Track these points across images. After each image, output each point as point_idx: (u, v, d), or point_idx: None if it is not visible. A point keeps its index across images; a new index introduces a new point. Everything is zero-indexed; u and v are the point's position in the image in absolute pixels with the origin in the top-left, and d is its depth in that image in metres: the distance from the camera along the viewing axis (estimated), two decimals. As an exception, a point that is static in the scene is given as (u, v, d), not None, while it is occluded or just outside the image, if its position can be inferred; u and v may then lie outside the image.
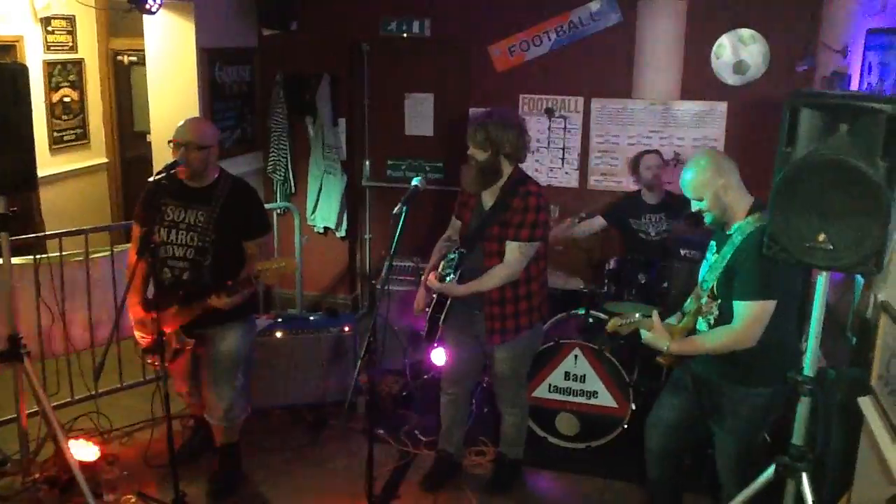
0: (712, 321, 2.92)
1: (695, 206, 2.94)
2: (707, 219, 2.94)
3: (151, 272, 3.28)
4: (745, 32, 5.07)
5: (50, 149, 6.11)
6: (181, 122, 3.46)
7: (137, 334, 3.55)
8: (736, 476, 2.92)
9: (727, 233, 2.90)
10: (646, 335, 2.98)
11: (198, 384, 3.74)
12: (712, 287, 2.89)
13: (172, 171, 3.32)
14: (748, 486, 2.68)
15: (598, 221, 4.95)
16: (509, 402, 3.78)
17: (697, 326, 2.99)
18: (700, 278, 3.02)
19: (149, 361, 3.58)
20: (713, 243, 3.02)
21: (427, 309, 3.61)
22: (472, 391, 3.95)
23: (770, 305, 2.74)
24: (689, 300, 3.03)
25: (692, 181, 2.89)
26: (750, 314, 2.75)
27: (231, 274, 3.45)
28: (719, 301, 2.87)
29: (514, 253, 3.42)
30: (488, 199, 3.52)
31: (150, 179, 3.38)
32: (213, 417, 3.70)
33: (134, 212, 3.62)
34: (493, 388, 3.86)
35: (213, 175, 3.52)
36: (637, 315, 2.98)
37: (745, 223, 2.82)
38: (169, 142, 3.42)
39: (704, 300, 2.92)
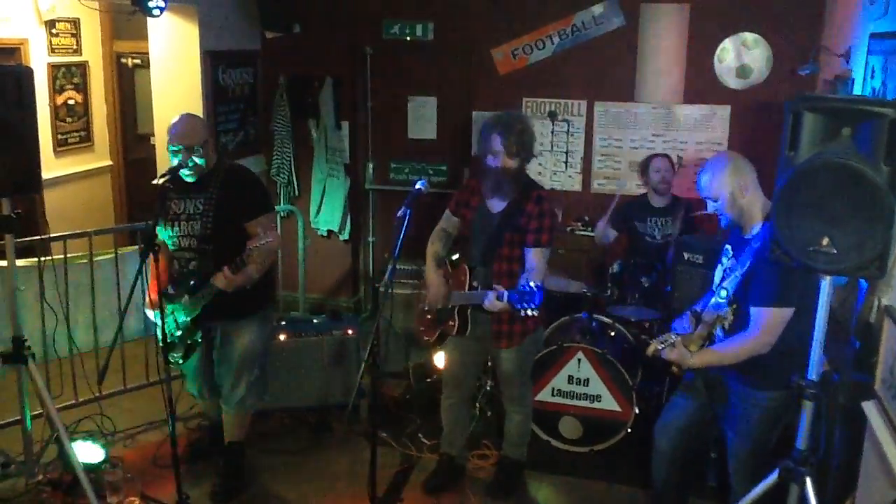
0: (727, 326, 2.91)
1: (710, 208, 2.92)
2: (722, 221, 2.92)
3: (165, 267, 3.28)
4: (748, 36, 5.08)
5: (54, 151, 6.14)
6: (174, 123, 3.46)
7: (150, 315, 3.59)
8: (748, 478, 2.89)
9: (745, 237, 2.88)
10: (669, 354, 2.93)
11: (210, 382, 3.78)
12: (731, 293, 2.86)
13: (175, 173, 3.37)
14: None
15: (612, 232, 4.93)
16: (515, 401, 3.78)
17: (714, 331, 2.97)
18: (715, 284, 3.00)
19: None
20: (728, 247, 2.99)
21: (432, 314, 3.61)
22: (474, 394, 3.94)
23: (787, 312, 2.73)
24: (707, 308, 2.98)
25: (709, 181, 2.87)
26: (766, 321, 2.74)
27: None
28: (735, 306, 2.85)
29: (539, 258, 3.44)
30: (497, 202, 3.51)
31: (156, 182, 3.41)
32: (228, 404, 3.73)
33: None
34: (499, 386, 3.85)
35: (211, 163, 3.55)
36: (672, 336, 2.94)
37: (765, 228, 2.79)
38: (169, 148, 3.43)
39: (724, 307, 2.89)
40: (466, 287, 3.46)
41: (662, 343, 2.94)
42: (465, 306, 3.48)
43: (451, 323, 3.52)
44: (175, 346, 3.53)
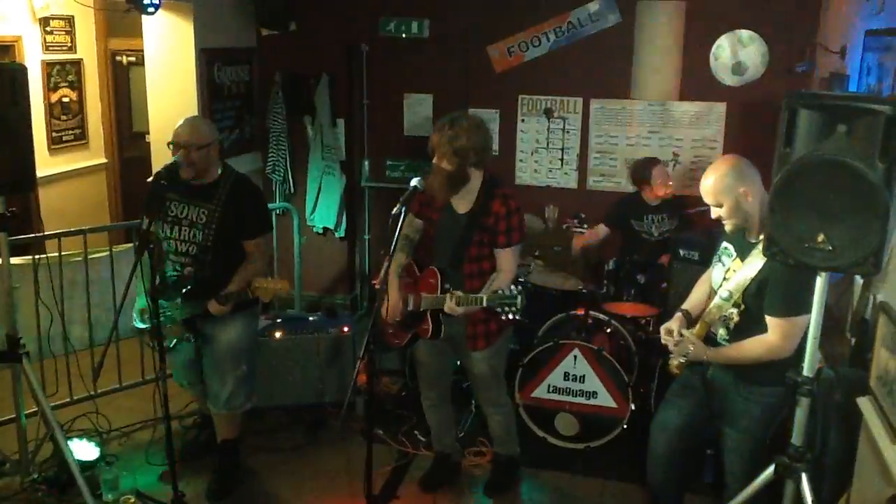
0: (731, 327, 2.88)
1: (714, 213, 2.87)
2: (727, 227, 2.87)
3: (155, 266, 3.27)
4: (744, 33, 5.08)
5: (49, 149, 6.11)
6: (179, 123, 3.48)
7: (139, 322, 3.62)
8: (747, 475, 2.87)
9: (751, 241, 2.83)
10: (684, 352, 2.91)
11: (197, 375, 3.76)
12: (736, 296, 2.82)
13: (173, 171, 3.35)
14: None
15: (602, 229, 4.95)
16: (492, 402, 3.76)
17: (714, 330, 2.94)
18: (716, 283, 2.96)
19: (149, 344, 3.61)
20: (729, 247, 2.94)
21: (400, 318, 3.57)
22: (452, 390, 3.93)
23: (807, 318, 2.69)
24: (711, 307, 2.94)
25: (712, 187, 2.81)
26: (789, 330, 2.70)
27: (232, 270, 3.50)
28: (743, 308, 2.82)
29: (510, 258, 3.43)
30: (462, 203, 3.46)
31: (150, 180, 3.40)
32: (216, 405, 3.72)
33: (143, 205, 3.63)
34: (474, 389, 3.85)
35: (216, 172, 3.54)
36: (689, 346, 2.90)
37: None
38: (168, 143, 3.43)
39: (729, 309, 2.86)
40: (438, 290, 3.42)
41: (684, 356, 2.92)
42: (437, 309, 3.44)
43: (424, 327, 3.49)
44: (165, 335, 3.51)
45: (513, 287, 3.14)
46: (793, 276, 2.60)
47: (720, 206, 2.82)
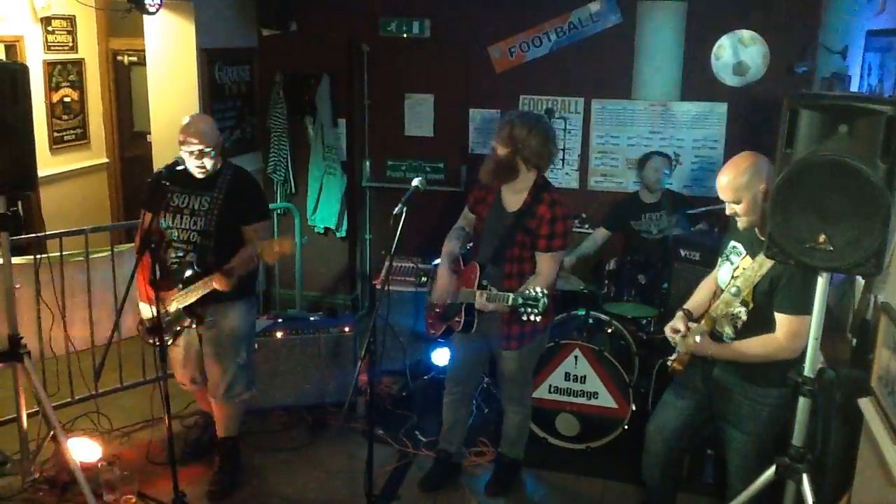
0: (739, 325, 2.86)
1: (730, 210, 2.83)
2: (741, 224, 2.84)
3: (155, 260, 3.28)
4: (745, 34, 5.08)
5: (50, 149, 6.12)
6: (187, 121, 3.49)
7: (143, 310, 3.63)
8: (752, 477, 2.86)
9: (762, 238, 2.76)
10: (691, 344, 2.88)
11: (200, 369, 3.77)
12: (745, 293, 2.80)
13: (173, 169, 3.44)
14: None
15: (601, 233, 4.95)
16: (514, 400, 3.78)
17: (720, 329, 2.91)
18: (723, 281, 2.92)
19: (149, 342, 3.62)
20: (738, 245, 2.90)
21: (440, 308, 3.61)
22: (475, 390, 3.94)
23: None
24: (718, 302, 2.90)
25: (731, 183, 2.77)
26: (798, 328, 2.67)
27: (232, 257, 3.53)
28: (751, 306, 2.80)
29: (550, 263, 3.44)
30: (511, 201, 3.50)
31: (149, 180, 3.43)
32: (216, 395, 3.73)
33: (140, 198, 3.71)
34: (499, 385, 3.86)
35: (217, 165, 3.59)
36: (689, 342, 2.87)
37: None
38: (184, 143, 3.44)
39: (736, 307, 2.83)
40: (475, 285, 3.44)
41: (685, 357, 2.89)
42: (472, 304, 3.46)
43: (457, 319, 3.52)
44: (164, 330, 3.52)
45: (538, 289, 3.14)
46: (807, 274, 2.57)
47: (738, 202, 2.78)
